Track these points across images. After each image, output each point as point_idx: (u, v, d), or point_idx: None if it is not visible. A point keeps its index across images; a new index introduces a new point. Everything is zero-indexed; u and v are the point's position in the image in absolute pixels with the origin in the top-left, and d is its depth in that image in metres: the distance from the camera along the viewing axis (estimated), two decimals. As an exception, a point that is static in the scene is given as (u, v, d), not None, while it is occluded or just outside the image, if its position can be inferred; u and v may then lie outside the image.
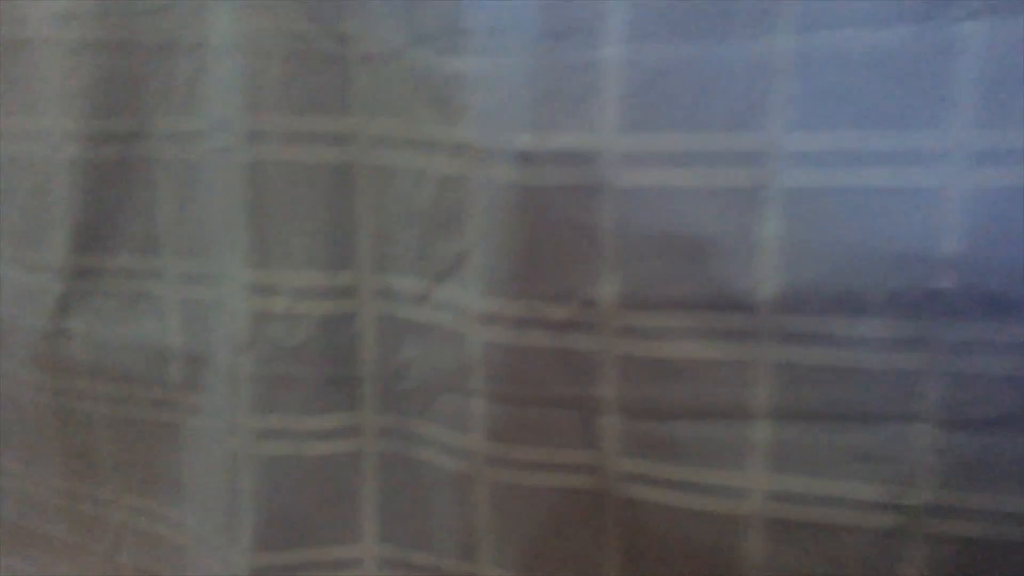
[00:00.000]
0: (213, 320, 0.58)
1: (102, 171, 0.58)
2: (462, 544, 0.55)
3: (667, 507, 0.49)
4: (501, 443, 0.52)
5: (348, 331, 0.55)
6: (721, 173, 0.44)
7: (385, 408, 0.56)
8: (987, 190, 0.40)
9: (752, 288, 0.44)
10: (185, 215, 0.58)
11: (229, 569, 0.58)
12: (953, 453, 0.44)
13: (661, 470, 0.49)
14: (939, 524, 0.44)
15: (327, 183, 0.53)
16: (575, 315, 0.48)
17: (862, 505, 0.46)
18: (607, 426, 0.50)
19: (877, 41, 0.41)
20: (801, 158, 0.42)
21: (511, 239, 0.48)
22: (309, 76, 0.51)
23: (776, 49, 0.42)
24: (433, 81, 0.49)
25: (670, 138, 0.44)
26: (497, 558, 0.55)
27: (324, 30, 0.51)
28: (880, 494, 0.45)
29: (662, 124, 0.44)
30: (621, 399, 0.49)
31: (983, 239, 0.41)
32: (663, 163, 0.44)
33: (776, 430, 0.46)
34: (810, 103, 0.42)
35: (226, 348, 0.56)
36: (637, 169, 0.45)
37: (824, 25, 0.41)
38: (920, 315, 0.42)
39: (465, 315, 0.51)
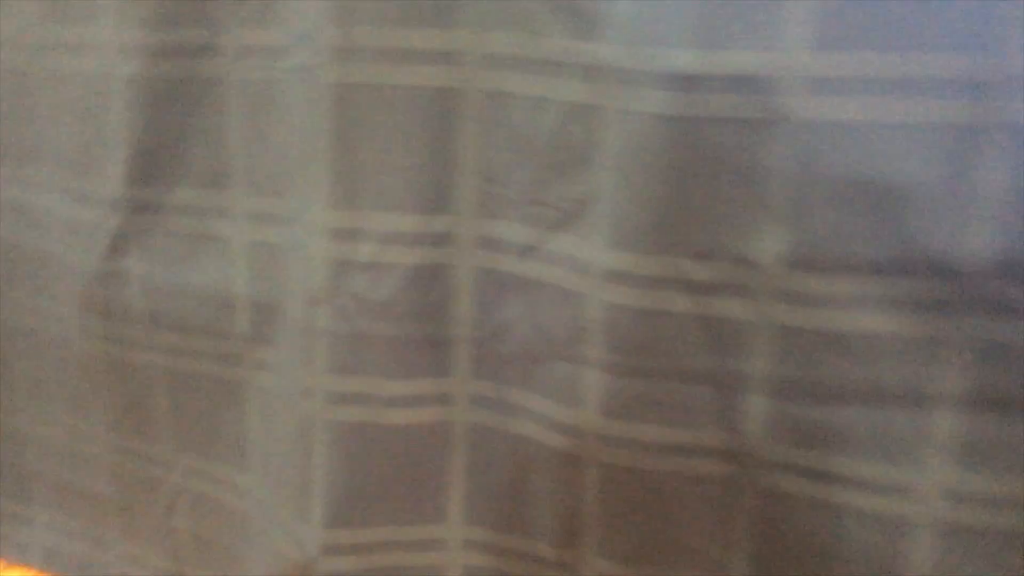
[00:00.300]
0: (287, 266, 0.51)
1: (164, 90, 0.51)
2: (563, 530, 0.49)
3: (818, 502, 0.42)
4: (618, 420, 0.45)
5: (442, 285, 0.47)
6: (935, 105, 0.35)
7: (480, 374, 0.48)
8: None
9: (961, 249, 0.36)
10: (258, 144, 0.50)
11: (297, 545, 0.52)
12: None
13: (815, 460, 0.42)
14: None
15: (426, 110, 0.45)
16: (725, 276, 0.41)
17: None
18: (752, 407, 0.42)
19: None
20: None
21: (651, 182, 0.40)
22: (411, -20, 0.43)
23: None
24: (564, -14, 0.41)
25: (873, 60, 0.36)
26: (604, 548, 0.48)
27: None
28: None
29: (864, 42, 0.35)
30: (773, 376, 0.41)
31: None
32: (860, 91, 0.36)
33: (964, 420, 0.39)
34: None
35: (301, 299, 0.49)
36: (826, 98, 0.36)
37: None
38: None
39: (585, 271, 0.43)
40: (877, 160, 0.36)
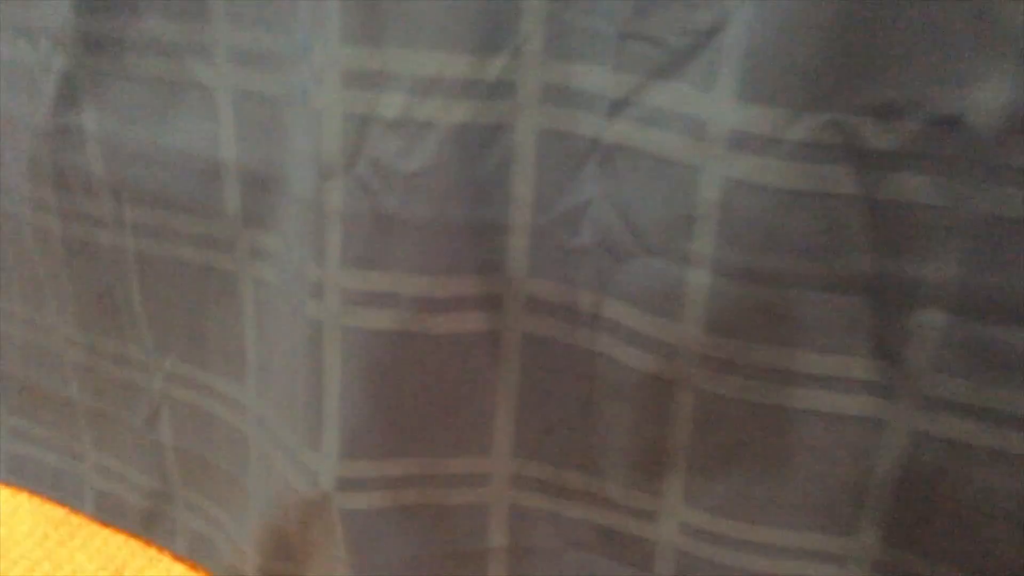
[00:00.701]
0: (288, 125, 0.38)
1: None
2: (642, 471, 0.39)
3: (992, 451, 0.32)
4: (728, 338, 0.34)
5: (496, 152, 0.35)
6: None
7: (542, 273, 0.37)
8: None
9: None
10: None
11: (308, 477, 0.42)
12: None
13: (999, 400, 0.31)
14: None
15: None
16: (915, 142, 0.28)
17: None
18: (924, 326, 0.31)
19: None
20: None
21: (812, 9, 0.27)
22: None
23: None
24: None
25: None
26: (693, 496, 0.38)
27: None
28: None
29: None
30: (961, 284, 0.30)
31: None
32: None
33: None
34: None
35: (307, 169, 0.37)
36: None
37: None
38: None
39: (701, 135, 0.31)
40: None
